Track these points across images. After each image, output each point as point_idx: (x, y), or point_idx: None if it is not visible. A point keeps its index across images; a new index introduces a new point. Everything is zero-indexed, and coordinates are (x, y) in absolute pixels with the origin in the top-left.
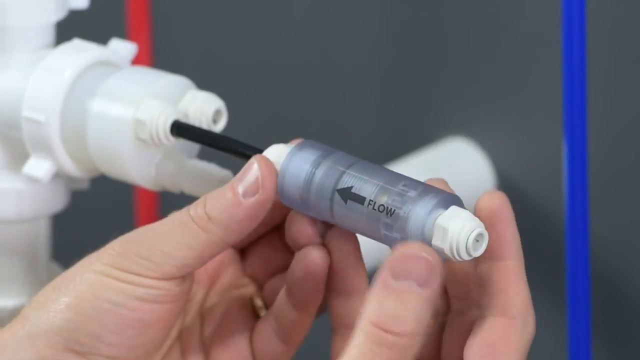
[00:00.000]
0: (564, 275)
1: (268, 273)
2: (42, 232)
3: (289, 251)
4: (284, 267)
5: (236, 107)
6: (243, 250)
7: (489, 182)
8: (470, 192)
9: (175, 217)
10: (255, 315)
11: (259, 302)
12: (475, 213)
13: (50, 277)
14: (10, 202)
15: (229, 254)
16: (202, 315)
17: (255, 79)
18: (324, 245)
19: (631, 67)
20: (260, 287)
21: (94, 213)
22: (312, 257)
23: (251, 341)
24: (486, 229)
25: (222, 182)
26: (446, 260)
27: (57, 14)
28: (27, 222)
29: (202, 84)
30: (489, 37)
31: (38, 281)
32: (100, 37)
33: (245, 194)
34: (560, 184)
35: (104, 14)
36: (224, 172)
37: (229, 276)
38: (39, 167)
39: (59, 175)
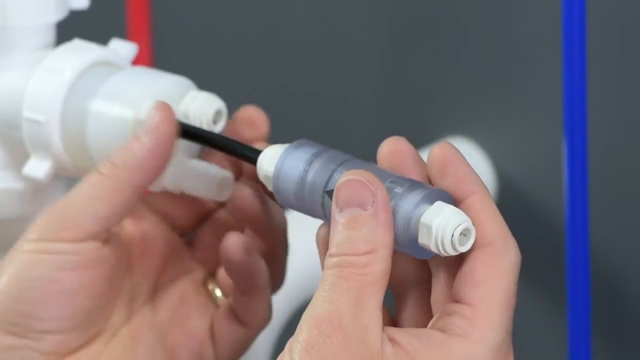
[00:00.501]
0: (564, 275)
1: (218, 257)
2: None
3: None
4: None
5: (236, 108)
6: (192, 240)
7: (489, 182)
8: None
9: (87, 177)
10: (211, 300)
11: (210, 286)
12: (428, 167)
13: None
14: (11, 202)
15: (174, 243)
16: (153, 302)
17: (255, 79)
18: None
19: (631, 67)
20: (212, 272)
21: None
22: (227, 244)
23: (212, 325)
24: (442, 176)
25: (222, 182)
26: None
27: (57, 14)
28: (28, 222)
29: (202, 84)
30: (489, 38)
31: None
32: (101, 37)
33: (145, 134)
34: (560, 184)
35: (104, 14)
36: (224, 173)
37: (178, 264)
38: (39, 167)
39: (59, 176)
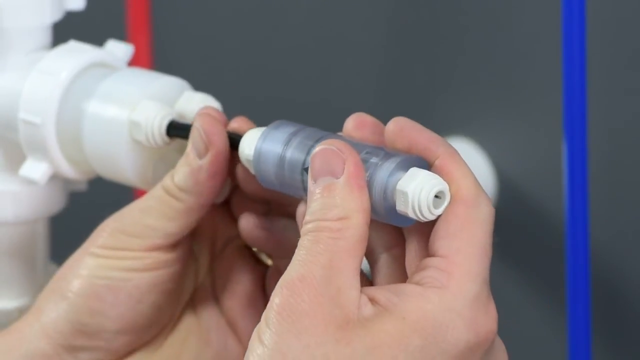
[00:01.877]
0: (564, 275)
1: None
2: (40, 233)
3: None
4: (264, 203)
5: (236, 108)
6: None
7: (489, 182)
8: None
9: (153, 192)
10: (256, 260)
11: (254, 248)
12: (389, 142)
13: (49, 279)
14: (8, 204)
15: (217, 206)
16: (212, 273)
17: (255, 79)
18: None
19: (631, 67)
20: None
21: (92, 214)
22: (240, 229)
23: (264, 287)
24: (409, 146)
25: None
26: None
27: (53, 16)
28: (25, 224)
29: (202, 85)
30: (489, 38)
31: (36, 283)
32: (101, 38)
33: (199, 155)
34: (560, 184)
35: (104, 15)
36: None
37: (225, 228)
38: (35, 169)
39: (56, 177)
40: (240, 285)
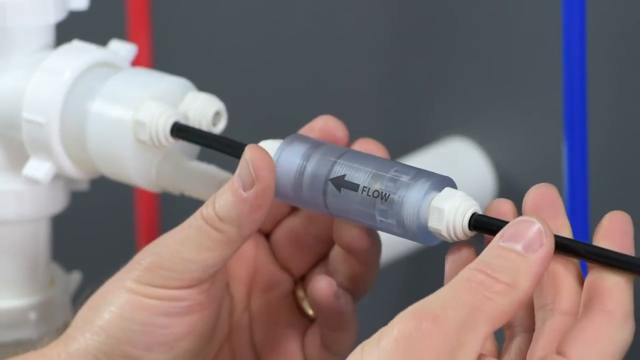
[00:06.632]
0: None
1: (301, 262)
2: (42, 233)
3: (317, 236)
4: (316, 253)
5: (237, 109)
6: (270, 237)
7: (489, 182)
8: (470, 192)
9: (192, 222)
10: (302, 313)
11: (300, 294)
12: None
13: (50, 278)
14: (11, 203)
15: (260, 247)
16: (250, 316)
17: (255, 79)
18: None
19: (631, 67)
20: (295, 277)
21: (94, 213)
22: (317, 289)
23: (303, 348)
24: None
25: (222, 183)
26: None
27: (56, 15)
28: (27, 223)
29: (203, 85)
30: (489, 37)
31: (38, 282)
32: (101, 38)
33: (245, 187)
34: (560, 184)
35: (104, 14)
36: (224, 174)
37: (266, 270)
38: (38, 168)
39: (58, 177)
40: (283, 345)
